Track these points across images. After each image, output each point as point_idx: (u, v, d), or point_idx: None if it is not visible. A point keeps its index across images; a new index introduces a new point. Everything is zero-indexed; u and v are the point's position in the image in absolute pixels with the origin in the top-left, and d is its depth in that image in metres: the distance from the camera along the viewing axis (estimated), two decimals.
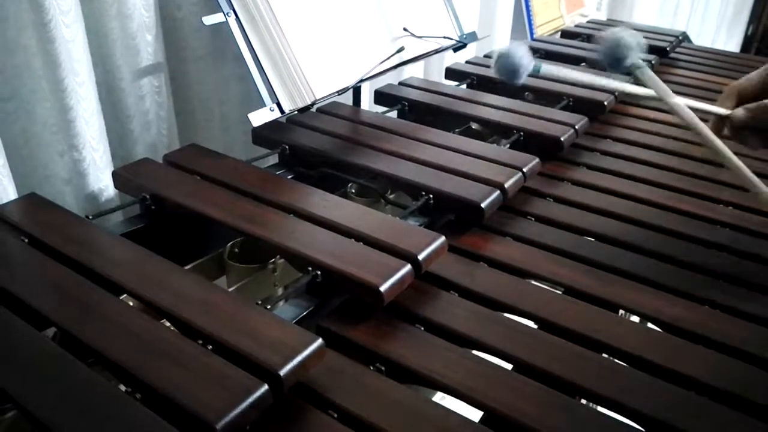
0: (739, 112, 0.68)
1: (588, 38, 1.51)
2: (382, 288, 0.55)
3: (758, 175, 0.67)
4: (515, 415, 0.48)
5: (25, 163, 0.76)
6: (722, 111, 0.70)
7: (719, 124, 0.70)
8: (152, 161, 0.77)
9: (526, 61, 0.63)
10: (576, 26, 1.64)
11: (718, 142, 0.66)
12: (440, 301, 0.60)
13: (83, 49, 0.74)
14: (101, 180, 0.80)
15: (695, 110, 0.69)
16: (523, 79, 0.64)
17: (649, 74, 0.66)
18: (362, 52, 0.92)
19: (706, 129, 0.66)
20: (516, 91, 1.11)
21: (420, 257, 0.59)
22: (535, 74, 0.64)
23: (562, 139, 0.89)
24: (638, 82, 0.68)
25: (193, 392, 0.42)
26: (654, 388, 0.51)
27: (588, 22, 1.70)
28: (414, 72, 1.27)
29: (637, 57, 0.65)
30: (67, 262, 0.56)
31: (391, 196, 0.79)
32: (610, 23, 1.72)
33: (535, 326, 0.59)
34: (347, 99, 0.98)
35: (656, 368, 0.53)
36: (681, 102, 0.66)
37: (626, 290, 0.64)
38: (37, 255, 0.57)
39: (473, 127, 0.98)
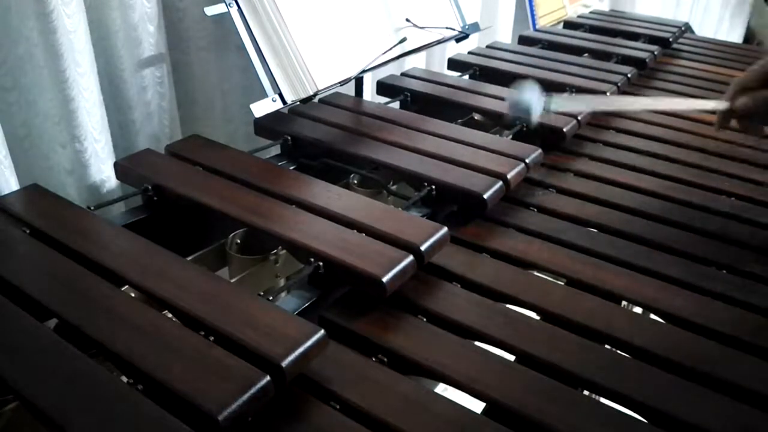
0: (741, 100, 0.71)
1: (591, 29, 1.51)
2: (385, 279, 0.55)
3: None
4: (517, 407, 0.48)
5: (27, 154, 0.76)
6: (724, 104, 0.72)
7: (725, 116, 0.74)
8: (154, 152, 0.76)
9: (536, 101, 0.68)
10: (579, 17, 1.63)
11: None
12: (442, 292, 0.60)
13: (85, 40, 0.74)
14: (103, 171, 0.80)
15: (703, 110, 0.71)
16: (536, 117, 0.68)
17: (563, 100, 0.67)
18: (364, 42, 0.92)
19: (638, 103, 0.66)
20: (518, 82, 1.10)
21: (422, 248, 0.59)
22: (547, 111, 0.70)
23: (564, 129, 0.89)
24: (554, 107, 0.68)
25: (195, 383, 0.42)
26: (656, 378, 0.51)
27: (591, 12, 1.69)
28: (416, 62, 1.27)
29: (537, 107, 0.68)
30: (68, 253, 0.56)
31: (394, 187, 0.79)
32: (613, 14, 1.71)
33: (538, 317, 0.59)
34: (349, 90, 0.98)
35: (658, 359, 0.53)
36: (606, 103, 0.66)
37: (629, 281, 0.63)
38: (39, 246, 0.57)
39: (476, 117, 0.98)
